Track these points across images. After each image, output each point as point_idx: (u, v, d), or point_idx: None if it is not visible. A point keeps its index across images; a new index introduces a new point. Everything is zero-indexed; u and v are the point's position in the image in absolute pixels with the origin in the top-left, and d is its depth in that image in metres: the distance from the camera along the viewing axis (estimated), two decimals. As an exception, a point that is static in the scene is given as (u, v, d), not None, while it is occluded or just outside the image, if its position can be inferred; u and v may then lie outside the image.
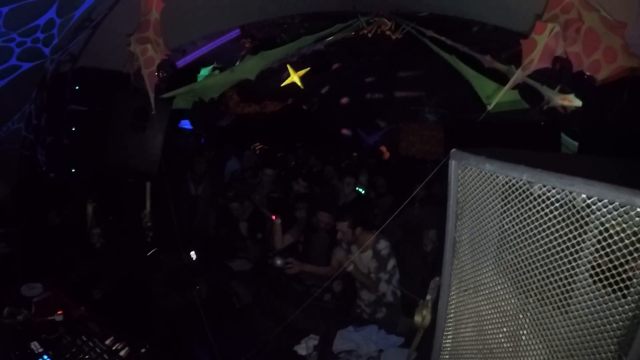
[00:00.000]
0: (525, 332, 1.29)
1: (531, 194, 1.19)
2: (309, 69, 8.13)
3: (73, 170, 4.92)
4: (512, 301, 1.33)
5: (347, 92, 10.63)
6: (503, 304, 1.37)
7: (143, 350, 2.35)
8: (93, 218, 4.30)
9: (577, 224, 1.10)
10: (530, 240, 1.23)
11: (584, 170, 1.22)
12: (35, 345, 2.26)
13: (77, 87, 4.86)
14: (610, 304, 1.05)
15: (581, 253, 1.10)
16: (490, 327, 1.43)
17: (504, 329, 1.37)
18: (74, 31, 4.35)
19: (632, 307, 1.01)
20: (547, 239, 1.18)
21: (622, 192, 0.98)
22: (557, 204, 1.13)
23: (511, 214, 1.27)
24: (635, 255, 0.98)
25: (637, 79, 2.84)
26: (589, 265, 1.10)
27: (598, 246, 1.07)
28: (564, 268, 1.15)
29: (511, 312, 1.34)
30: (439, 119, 9.78)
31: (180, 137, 8.30)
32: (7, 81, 4.05)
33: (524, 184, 1.20)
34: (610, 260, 1.04)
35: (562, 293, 1.16)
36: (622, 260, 1.01)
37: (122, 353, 2.26)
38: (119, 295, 3.85)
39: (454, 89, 6.62)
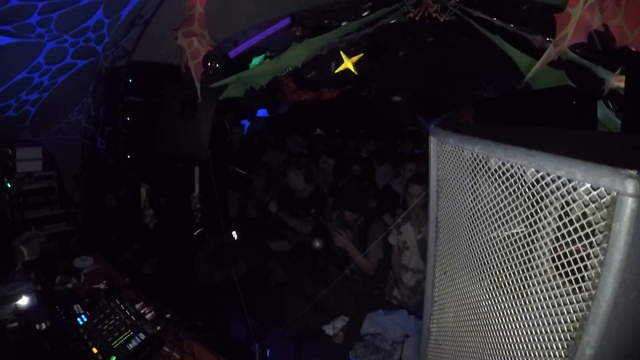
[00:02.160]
0: (486, 320, 1.24)
1: (489, 168, 1.11)
2: (362, 55, 8.10)
3: (129, 157, 5.29)
4: (477, 287, 1.29)
5: (404, 77, 10.45)
6: (470, 289, 1.32)
7: (167, 315, 2.56)
8: (146, 200, 4.63)
9: (531, 201, 0.99)
10: (491, 219, 1.16)
11: (559, 144, 1.13)
12: (77, 307, 2.58)
13: (130, 80, 5.20)
14: (562, 298, 0.94)
15: (540, 233, 0.99)
16: (462, 313, 1.40)
17: (473, 317, 1.33)
18: (125, 28, 4.67)
19: (582, 305, 0.89)
20: (506, 218, 1.10)
21: (562, 164, 0.84)
22: (512, 179, 1.03)
23: (475, 191, 1.21)
24: (586, 242, 0.85)
25: None
26: (547, 249, 0.98)
27: (555, 227, 0.95)
28: (522, 251, 1.06)
29: (476, 299, 1.29)
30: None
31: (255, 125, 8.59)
32: (65, 77, 4.44)
33: (483, 158, 1.13)
34: (566, 245, 0.91)
35: (520, 281, 1.08)
36: (575, 247, 0.89)
37: (148, 316, 2.48)
38: (166, 270, 4.13)
39: (510, 73, 6.35)
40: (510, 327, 1.13)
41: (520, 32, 4.53)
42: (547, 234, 0.98)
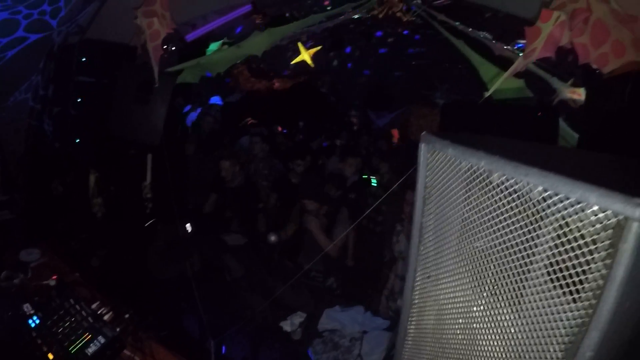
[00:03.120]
0: (477, 325, 1.29)
1: (490, 182, 1.15)
2: (320, 47, 8.07)
3: (77, 141, 4.99)
4: (468, 293, 1.32)
5: (359, 72, 10.53)
6: (460, 294, 1.36)
7: (126, 315, 2.43)
8: (95, 188, 4.39)
9: (533, 217, 1.05)
10: (488, 231, 1.20)
11: (559, 164, 1.19)
12: (27, 307, 2.37)
13: (84, 59, 4.90)
14: (560, 306, 1.01)
15: (538, 248, 1.06)
16: (448, 317, 1.43)
17: (460, 320, 1.37)
18: (82, 3, 4.37)
19: (582, 313, 0.96)
20: (504, 230, 1.14)
21: (577, 187, 0.91)
22: (514, 195, 1.09)
23: (472, 202, 1.25)
24: (589, 257, 0.92)
25: None
26: (544, 263, 1.05)
27: (553, 243, 1.01)
28: (518, 263, 1.12)
29: (466, 304, 1.33)
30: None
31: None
32: (14, 52, 4.12)
33: (484, 172, 1.17)
34: (564, 260, 0.99)
35: (515, 290, 1.13)
36: (576, 262, 0.95)
37: (106, 317, 2.34)
38: (116, 263, 3.94)
39: (466, 74, 6.54)
40: (505, 331, 1.18)
41: (481, 38, 4.65)
42: (545, 247, 1.03)
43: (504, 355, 1.18)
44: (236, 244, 4.13)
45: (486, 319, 1.25)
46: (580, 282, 0.94)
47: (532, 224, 1.06)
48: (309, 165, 5.67)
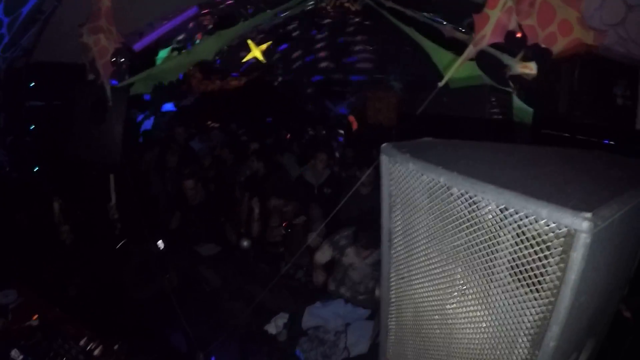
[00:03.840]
0: (452, 321, 1.38)
1: (451, 194, 1.23)
2: (270, 43, 8.04)
3: (37, 169, 4.84)
4: (440, 292, 1.41)
5: (312, 64, 10.54)
6: (433, 293, 1.44)
7: (116, 347, 2.43)
8: (60, 215, 4.29)
9: (492, 227, 1.14)
10: (452, 237, 1.28)
11: (518, 173, 1.28)
12: (15, 353, 2.31)
13: (32, 83, 4.74)
14: (524, 303, 1.11)
15: (499, 253, 1.15)
16: (424, 313, 1.52)
17: (436, 317, 1.45)
18: (25, 26, 4.22)
19: (543, 309, 1.07)
20: (467, 237, 1.22)
21: (530, 203, 1.01)
22: (474, 206, 1.17)
23: (435, 211, 1.32)
24: (545, 262, 1.04)
25: (590, 54, 2.88)
26: (506, 266, 1.15)
27: (512, 249, 1.11)
28: (483, 266, 1.21)
29: (440, 302, 1.42)
30: (404, 86, 9.81)
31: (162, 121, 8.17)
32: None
33: (444, 185, 1.24)
34: (524, 263, 1.09)
35: (483, 289, 1.23)
36: (534, 265, 1.06)
37: (96, 352, 2.34)
38: (93, 290, 3.89)
39: (417, 57, 6.64)
40: (477, 326, 1.29)
41: (430, 22, 4.75)
42: (506, 252, 1.12)
43: (479, 347, 1.29)
44: (210, 253, 4.15)
45: (459, 315, 1.35)
46: (539, 282, 1.05)
47: (492, 232, 1.15)
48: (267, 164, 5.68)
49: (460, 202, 1.20)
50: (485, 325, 1.26)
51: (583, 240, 0.93)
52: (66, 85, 4.54)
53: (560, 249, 0.99)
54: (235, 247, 4.14)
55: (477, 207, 1.16)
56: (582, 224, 0.91)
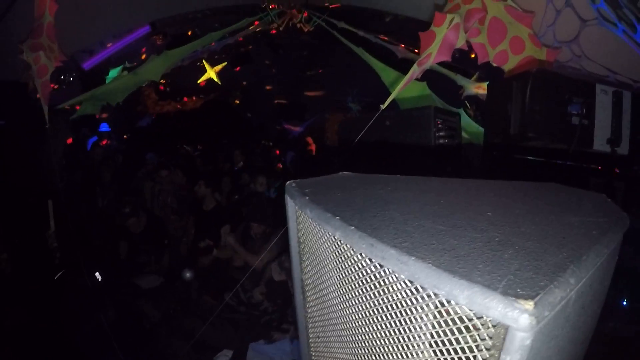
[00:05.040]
0: None
1: (357, 259, 0.96)
2: (225, 64, 7.95)
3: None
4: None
5: (269, 84, 10.48)
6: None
7: None
8: (-4, 243, 4.00)
9: (403, 300, 0.85)
10: (363, 303, 1.00)
11: (430, 221, 0.97)
12: None
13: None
14: None
15: (417, 332, 0.85)
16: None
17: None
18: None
19: None
20: (377, 306, 0.94)
21: (443, 281, 0.72)
22: (378, 271, 0.89)
23: (341, 269, 1.06)
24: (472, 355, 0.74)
25: (543, 72, 2.79)
26: (428, 350, 0.84)
27: (433, 332, 0.81)
28: (400, 344, 0.91)
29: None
30: (362, 107, 9.87)
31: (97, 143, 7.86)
32: None
33: (347, 245, 0.98)
34: (448, 351, 0.79)
35: None
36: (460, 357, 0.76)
37: None
38: (29, 322, 3.61)
39: (374, 78, 6.68)
40: None
41: (383, 43, 4.77)
42: (426, 333, 0.83)
43: None
44: (151, 286, 3.92)
45: None
46: None
47: (404, 306, 0.86)
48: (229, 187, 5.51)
49: (362, 265, 0.93)
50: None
51: (520, 340, 0.65)
52: (4, 105, 4.28)
53: (490, 343, 0.70)
54: (177, 278, 3.92)
55: (381, 273, 0.88)
56: (518, 318, 0.63)
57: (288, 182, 1.25)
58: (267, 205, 4.34)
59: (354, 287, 1.04)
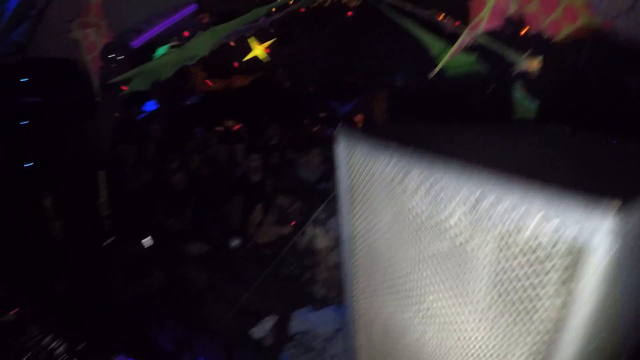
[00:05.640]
0: (420, 346, 1.16)
1: (412, 181, 0.98)
2: (273, 40, 7.92)
3: (28, 165, 4.77)
4: (405, 308, 1.19)
5: (316, 63, 10.39)
6: (398, 309, 1.24)
7: (79, 347, 2.32)
8: (52, 211, 4.22)
9: (465, 227, 0.83)
10: (418, 241, 1.02)
11: (492, 153, 1.03)
12: None
13: (25, 79, 4.68)
14: (509, 338, 0.81)
15: (476, 264, 0.85)
16: (393, 332, 1.32)
17: (405, 339, 1.25)
18: (17, 21, 4.17)
19: (534, 349, 0.78)
20: (434, 240, 0.95)
21: (516, 191, 0.68)
22: (439, 197, 0.90)
23: (395, 204, 1.08)
24: (541, 280, 0.71)
25: (597, 40, 2.66)
26: (486, 283, 0.84)
27: (494, 261, 0.80)
28: (455, 282, 0.93)
29: (406, 322, 1.21)
30: (410, 83, 9.63)
31: (144, 119, 8.09)
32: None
33: (400, 171, 1.01)
34: (510, 280, 0.77)
35: (454, 312, 0.99)
36: (523, 285, 0.74)
37: (58, 351, 2.22)
38: (80, 288, 3.80)
39: (422, 54, 6.47)
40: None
41: (430, 17, 4.59)
42: (486, 264, 0.83)
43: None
44: (198, 252, 4.02)
45: (429, 341, 1.13)
46: (531, 310, 0.75)
47: (466, 235, 0.84)
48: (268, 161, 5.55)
49: (426, 193, 0.92)
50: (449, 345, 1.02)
51: (605, 248, 0.57)
52: (59, 81, 4.48)
53: (565, 261, 0.65)
54: (224, 246, 4.02)
55: (441, 198, 0.88)
56: (603, 220, 0.55)
57: (338, 127, 1.26)
58: (298, 179, 4.38)
59: (407, 227, 1.03)
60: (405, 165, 0.97)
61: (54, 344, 2.30)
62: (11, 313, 2.69)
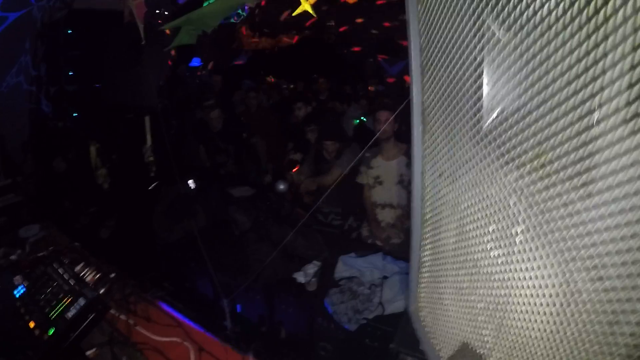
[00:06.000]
0: (520, 229, 0.91)
1: None
2: (320, -6, 7.66)
3: (75, 115, 4.85)
4: (500, 183, 0.94)
5: (366, 21, 10.01)
6: (487, 187, 0.98)
7: (112, 275, 2.30)
8: (97, 159, 4.27)
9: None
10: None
11: None
12: (17, 279, 2.27)
13: (70, 31, 4.73)
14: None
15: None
16: (472, 227, 1.07)
17: (490, 228, 1.00)
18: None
19: None
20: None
21: None
22: None
23: (486, 39, 0.87)
24: None
25: None
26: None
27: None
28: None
29: (500, 200, 0.95)
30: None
31: (190, 74, 8.11)
32: (-3, 34, 4.00)
33: None
34: None
35: (579, 165, 0.75)
36: None
37: (88, 278, 2.21)
38: (124, 232, 3.83)
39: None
40: (560, 231, 0.82)
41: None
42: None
43: (562, 267, 0.83)
44: (243, 195, 3.95)
45: (533, 217, 0.87)
46: None
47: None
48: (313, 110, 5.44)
49: None
50: (574, 232, 0.78)
51: None
52: (104, 32, 4.50)
53: None
54: (270, 189, 3.97)
55: None
56: None
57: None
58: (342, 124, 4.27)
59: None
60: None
61: (83, 272, 2.29)
62: (49, 249, 2.74)
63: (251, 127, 5.08)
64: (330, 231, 3.72)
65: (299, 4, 8.26)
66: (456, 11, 0.97)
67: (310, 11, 8.20)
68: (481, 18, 0.88)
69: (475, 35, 0.91)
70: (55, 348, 1.80)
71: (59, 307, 1.91)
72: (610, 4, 0.61)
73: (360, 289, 2.93)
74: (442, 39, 1.05)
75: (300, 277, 3.09)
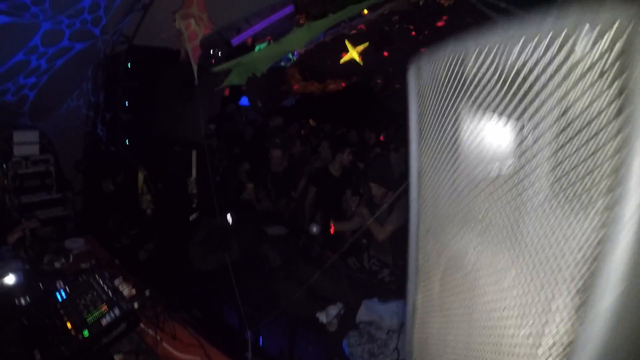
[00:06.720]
0: (475, 275, 1.08)
1: (466, 64, 1.00)
2: (367, 44, 7.94)
3: (127, 142, 5.22)
4: (463, 235, 1.12)
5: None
6: (456, 240, 1.16)
7: (147, 292, 2.48)
8: (144, 185, 4.56)
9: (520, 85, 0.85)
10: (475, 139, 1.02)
11: None
12: (59, 284, 2.54)
13: (129, 65, 5.14)
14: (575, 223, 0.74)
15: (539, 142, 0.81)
16: (450, 273, 1.23)
17: (459, 275, 1.16)
18: (124, 12, 4.61)
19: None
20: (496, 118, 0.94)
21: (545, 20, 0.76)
22: (495, 69, 0.92)
23: (456, 100, 1.08)
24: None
25: None
26: (546, 168, 0.79)
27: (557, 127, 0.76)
28: (512, 180, 0.89)
29: (461, 253, 1.13)
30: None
31: (238, 113, 8.51)
32: (63, 61, 4.37)
33: (459, 57, 1.03)
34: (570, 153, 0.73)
35: (510, 221, 0.93)
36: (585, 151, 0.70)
37: (125, 292, 2.40)
38: (161, 256, 4.04)
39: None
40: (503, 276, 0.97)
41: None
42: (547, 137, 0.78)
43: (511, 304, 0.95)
44: (277, 233, 4.11)
45: (482, 264, 1.05)
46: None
47: (526, 106, 0.84)
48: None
49: (479, 64, 0.95)
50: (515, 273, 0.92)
51: None
52: (159, 68, 4.85)
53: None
54: (304, 230, 4.09)
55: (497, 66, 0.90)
56: None
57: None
58: (391, 169, 4.22)
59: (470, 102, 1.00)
60: (460, 48, 1.03)
61: (121, 285, 2.48)
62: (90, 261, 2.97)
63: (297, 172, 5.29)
64: (359, 277, 3.78)
65: (347, 51, 8.64)
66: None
67: (358, 59, 8.54)
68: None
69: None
70: (87, 349, 2.02)
71: (96, 314, 2.13)
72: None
73: (378, 333, 2.98)
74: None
75: (322, 317, 3.17)
